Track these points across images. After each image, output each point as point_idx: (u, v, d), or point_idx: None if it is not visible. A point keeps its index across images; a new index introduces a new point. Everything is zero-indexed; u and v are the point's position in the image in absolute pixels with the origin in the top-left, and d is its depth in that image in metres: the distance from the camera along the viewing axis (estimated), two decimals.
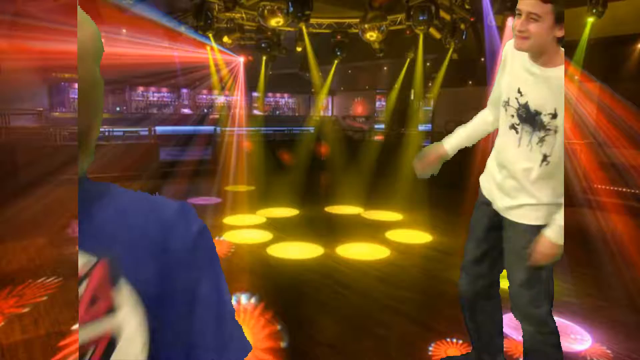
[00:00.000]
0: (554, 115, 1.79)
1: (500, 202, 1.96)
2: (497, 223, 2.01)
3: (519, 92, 1.86)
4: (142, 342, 0.57)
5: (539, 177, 1.84)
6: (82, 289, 0.55)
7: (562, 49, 1.82)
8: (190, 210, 0.69)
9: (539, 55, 1.79)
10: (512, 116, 1.90)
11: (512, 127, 1.90)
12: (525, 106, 1.85)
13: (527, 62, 1.84)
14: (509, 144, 1.91)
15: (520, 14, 1.73)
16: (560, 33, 1.74)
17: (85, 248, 0.57)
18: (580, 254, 4.31)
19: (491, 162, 2.04)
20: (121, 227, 0.60)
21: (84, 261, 0.56)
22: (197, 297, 0.62)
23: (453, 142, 2.14)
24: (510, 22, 8.47)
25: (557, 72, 1.79)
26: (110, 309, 0.56)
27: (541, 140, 1.81)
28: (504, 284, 3.60)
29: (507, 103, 1.91)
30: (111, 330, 0.55)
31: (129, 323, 0.57)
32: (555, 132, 1.79)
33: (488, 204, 2.03)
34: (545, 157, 1.81)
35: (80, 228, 0.57)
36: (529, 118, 1.84)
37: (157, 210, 0.64)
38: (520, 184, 1.87)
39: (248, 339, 0.67)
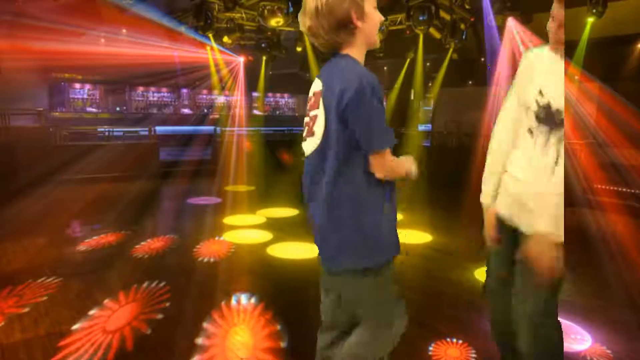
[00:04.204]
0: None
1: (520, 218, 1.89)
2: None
3: (541, 93, 1.85)
4: (323, 123, 1.50)
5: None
6: (314, 98, 1.57)
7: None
8: (363, 83, 1.41)
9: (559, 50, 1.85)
10: (531, 120, 1.89)
11: (529, 131, 1.89)
12: (547, 106, 1.84)
13: (553, 59, 1.87)
14: (525, 149, 1.89)
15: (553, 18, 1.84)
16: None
17: (323, 81, 1.53)
18: (580, 254, 4.31)
19: (506, 178, 1.99)
20: (332, 79, 1.49)
21: (319, 87, 1.54)
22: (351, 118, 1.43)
23: (491, 193, 2.05)
24: (510, 22, 8.48)
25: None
26: (318, 107, 1.53)
27: (559, 140, 1.80)
28: None
29: (528, 109, 1.90)
30: (317, 114, 1.53)
31: (321, 115, 1.51)
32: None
33: (507, 227, 1.96)
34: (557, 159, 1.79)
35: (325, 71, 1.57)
36: (548, 118, 1.84)
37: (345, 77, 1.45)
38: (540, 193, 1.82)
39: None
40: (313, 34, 1.53)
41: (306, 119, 1.61)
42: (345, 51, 1.53)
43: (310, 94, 1.60)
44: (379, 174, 1.49)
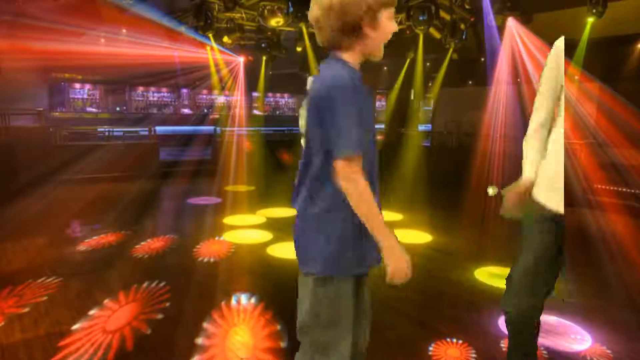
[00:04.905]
0: None
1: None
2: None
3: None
4: (305, 122, 1.47)
5: None
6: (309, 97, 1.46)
7: None
8: (334, 80, 1.41)
9: None
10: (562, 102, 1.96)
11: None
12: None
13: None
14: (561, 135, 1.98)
15: None
16: None
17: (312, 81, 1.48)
18: (580, 254, 4.31)
19: (560, 170, 1.97)
20: (317, 79, 1.46)
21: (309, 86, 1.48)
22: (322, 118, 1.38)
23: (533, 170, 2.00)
24: (510, 22, 8.47)
25: None
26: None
27: None
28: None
29: (562, 91, 1.95)
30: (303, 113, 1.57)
31: (304, 114, 1.53)
32: None
33: (556, 220, 1.97)
34: None
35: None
36: None
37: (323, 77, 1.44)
38: None
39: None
40: (319, 27, 1.46)
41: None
42: (342, 54, 1.47)
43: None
44: (341, 182, 1.36)
